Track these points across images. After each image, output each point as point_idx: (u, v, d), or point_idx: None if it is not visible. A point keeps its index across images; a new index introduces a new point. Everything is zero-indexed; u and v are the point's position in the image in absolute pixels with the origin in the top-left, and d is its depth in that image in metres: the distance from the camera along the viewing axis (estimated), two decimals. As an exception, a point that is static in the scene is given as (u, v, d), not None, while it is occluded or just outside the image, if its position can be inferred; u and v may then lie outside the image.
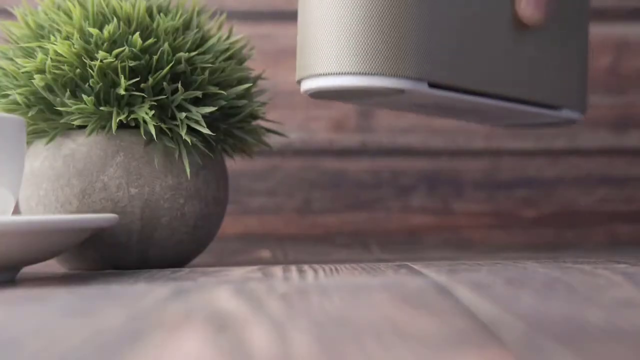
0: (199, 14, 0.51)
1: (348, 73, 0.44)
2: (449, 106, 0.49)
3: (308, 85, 0.46)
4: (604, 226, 0.75)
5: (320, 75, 0.45)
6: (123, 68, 0.47)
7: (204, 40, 0.51)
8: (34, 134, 0.49)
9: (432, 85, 0.45)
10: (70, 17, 0.49)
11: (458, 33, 0.46)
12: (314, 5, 0.45)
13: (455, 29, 0.46)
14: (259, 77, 0.53)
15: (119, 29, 0.48)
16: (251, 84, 0.50)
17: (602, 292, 0.34)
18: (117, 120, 0.46)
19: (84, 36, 0.48)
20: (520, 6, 0.50)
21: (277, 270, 0.45)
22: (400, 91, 0.45)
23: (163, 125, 0.47)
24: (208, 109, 0.48)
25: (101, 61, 0.46)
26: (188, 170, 0.47)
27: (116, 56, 0.47)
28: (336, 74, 0.44)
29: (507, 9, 0.50)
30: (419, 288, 0.36)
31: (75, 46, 0.47)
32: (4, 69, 0.49)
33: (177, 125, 0.47)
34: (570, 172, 0.75)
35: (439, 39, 0.45)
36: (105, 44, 0.47)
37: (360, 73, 0.44)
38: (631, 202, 0.75)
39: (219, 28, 0.53)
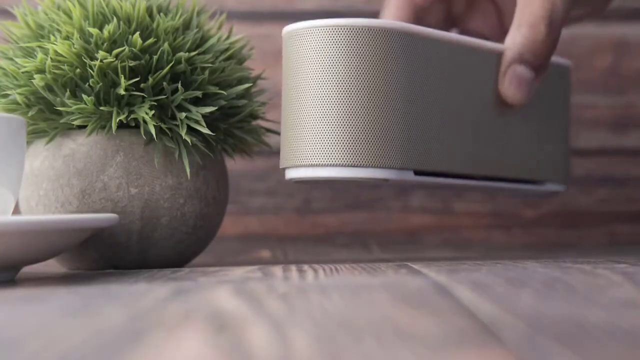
0: (198, 14, 0.51)
1: (333, 165, 0.44)
2: (435, 186, 0.50)
3: (293, 174, 0.46)
4: (604, 226, 0.75)
5: (305, 166, 0.45)
6: (123, 68, 0.47)
7: (203, 40, 0.51)
8: (34, 134, 0.49)
9: (417, 172, 0.46)
10: (70, 17, 0.49)
11: (441, 119, 0.46)
12: (297, 97, 0.45)
13: (438, 115, 0.46)
14: (258, 77, 0.53)
15: (119, 28, 0.48)
16: (251, 84, 0.50)
17: (602, 292, 0.34)
18: (117, 120, 0.46)
19: (84, 36, 0.48)
20: (503, 86, 0.50)
21: (277, 270, 0.45)
22: (386, 180, 0.45)
23: (163, 125, 0.47)
24: (208, 109, 0.48)
25: (101, 61, 0.46)
26: (188, 170, 0.47)
27: (116, 56, 0.47)
28: (321, 165, 0.44)
29: (489, 90, 0.49)
30: (419, 288, 0.36)
31: (75, 46, 0.47)
32: (4, 68, 0.49)
33: (177, 125, 0.47)
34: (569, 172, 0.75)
35: (422, 128, 0.45)
36: (105, 44, 0.47)
37: (345, 165, 0.44)
38: (631, 202, 0.75)
39: (219, 28, 0.53)
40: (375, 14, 0.76)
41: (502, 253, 0.61)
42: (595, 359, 0.20)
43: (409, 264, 0.47)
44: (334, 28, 0.44)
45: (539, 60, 0.50)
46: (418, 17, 0.56)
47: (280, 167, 0.46)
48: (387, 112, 0.44)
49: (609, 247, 0.71)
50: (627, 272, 0.41)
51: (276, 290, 0.35)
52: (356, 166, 0.44)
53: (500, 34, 0.59)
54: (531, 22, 0.50)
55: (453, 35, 0.48)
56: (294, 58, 0.45)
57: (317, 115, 0.44)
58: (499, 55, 0.50)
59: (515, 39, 0.50)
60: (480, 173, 0.49)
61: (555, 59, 0.53)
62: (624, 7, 0.75)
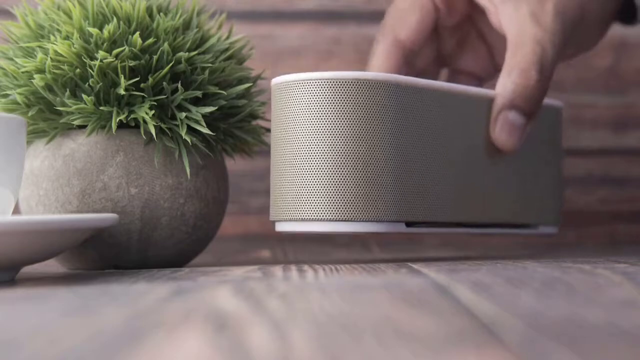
0: (198, 13, 0.51)
1: (323, 220, 0.44)
2: (428, 234, 0.50)
3: (284, 227, 0.46)
4: (604, 226, 0.75)
5: (295, 220, 0.45)
6: (123, 68, 0.47)
7: (203, 40, 0.51)
8: (34, 134, 0.49)
9: (409, 224, 0.46)
10: (70, 17, 0.49)
11: (433, 168, 0.46)
12: (287, 149, 0.45)
13: (429, 165, 0.46)
14: (258, 77, 0.53)
15: (119, 28, 0.48)
16: (251, 84, 0.50)
17: (602, 292, 0.34)
18: (117, 120, 0.46)
19: (84, 36, 0.48)
20: (495, 133, 0.49)
21: (277, 269, 0.45)
22: (378, 233, 0.45)
23: (163, 125, 0.47)
24: (208, 109, 0.48)
25: (101, 61, 0.46)
26: (188, 170, 0.47)
27: (116, 56, 0.47)
28: (311, 220, 0.44)
29: (480, 136, 0.49)
30: (419, 287, 0.36)
31: (75, 46, 0.47)
32: (4, 68, 0.49)
33: (177, 125, 0.47)
34: (570, 172, 0.75)
35: (413, 179, 0.45)
36: (105, 44, 0.47)
37: (336, 220, 0.44)
38: (631, 202, 0.75)
39: (219, 28, 0.53)
40: (375, 14, 0.76)
41: (502, 253, 0.61)
42: (595, 359, 0.20)
43: (409, 264, 0.47)
44: (322, 81, 0.44)
45: (530, 105, 0.49)
46: (407, 60, 0.55)
47: (270, 219, 0.46)
48: (377, 165, 0.44)
49: (609, 247, 0.71)
50: (627, 272, 0.41)
51: (276, 289, 0.35)
52: (347, 221, 0.44)
53: (491, 72, 0.58)
54: (522, 67, 0.49)
55: (441, 84, 0.47)
56: (283, 110, 0.45)
57: (306, 169, 0.44)
58: (488, 100, 0.50)
59: (507, 85, 0.49)
60: (472, 220, 0.49)
61: (547, 100, 0.53)
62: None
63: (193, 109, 0.48)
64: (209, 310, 0.29)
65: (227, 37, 0.52)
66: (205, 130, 0.47)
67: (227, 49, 0.51)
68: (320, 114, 0.44)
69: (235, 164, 0.62)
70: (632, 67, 0.75)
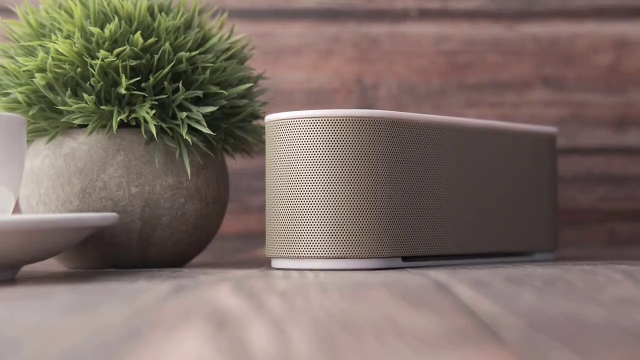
0: (200, 13, 0.51)
1: (319, 257, 0.44)
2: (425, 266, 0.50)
3: (279, 264, 0.46)
4: (603, 225, 0.75)
5: (291, 257, 0.45)
6: (124, 67, 0.47)
7: (205, 39, 0.51)
8: (35, 133, 0.50)
9: (405, 258, 0.46)
10: (72, 16, 0.49)
11: (429, 202, 0.46)
12: (282, 186, 0.45)
13: (425, 199, 0.46)
14: (259, 77, 0.53)
15: (120, 28, 0.48)
16: (252, 84, 0.50)
17: (602, 290, 0.34)
18: (118, 119, 0.47)
19: (85, 35, 0.48)
20: None
21: (278, 268, 0.45)
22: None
23: (164, 125, 0.47)
24: (209, 109, 0.48)
25: (102, 60, 0.46)
26: (189, 170, 0.47)
27: (117, 55, 0.47)
28: (307, 257, 0.44)
29: (477, 168, 0.49)
30: (419, 286, 0.36)
31: (77, 45, 0.47)
32: (5, 67, 0.49)
33: (178, 125, 0.47)
34: (570, 170, 0.75)
35: (410, 214, 0.45)
36: (106, 43, 0.47)
37: (332, 257, 0.44)
38: (631, 200, 0.75)
39: (220, 27, 0.53)
40: (374, 13, 0.76)
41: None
42: (594, 357, 0.20)
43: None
44: (316, 119, 0.44)
45: None
46: None
47: (266, 255, 0.46)
48: (372, 202, 0.44)
49: (608, 246, 0.71)
50: (628, 271, 0.41)
51: (276, 288, 0.35)
52: (343, 258, 0.44)
53: None
54: None
55: (435, 117, 0.47)
56: (278, 147, 0.45)
57: (301, 206, 0.44)
58: (483, 132, 0.50)
59: None
60: (469, 251, 0.49)
61: (542, 127, 0.54)
62: (625, 5, 0.75)
63: (194, 108, 0.48)
64: (209, 308, 0.29)
65: (229, 37, 0.52)
66: (206, 130, 0.47)
67: (228, 49, 0.51)
68: (314, 152, 0.44)
69: (235, 162, 0.62)
70: (633, 65, 0.75)
